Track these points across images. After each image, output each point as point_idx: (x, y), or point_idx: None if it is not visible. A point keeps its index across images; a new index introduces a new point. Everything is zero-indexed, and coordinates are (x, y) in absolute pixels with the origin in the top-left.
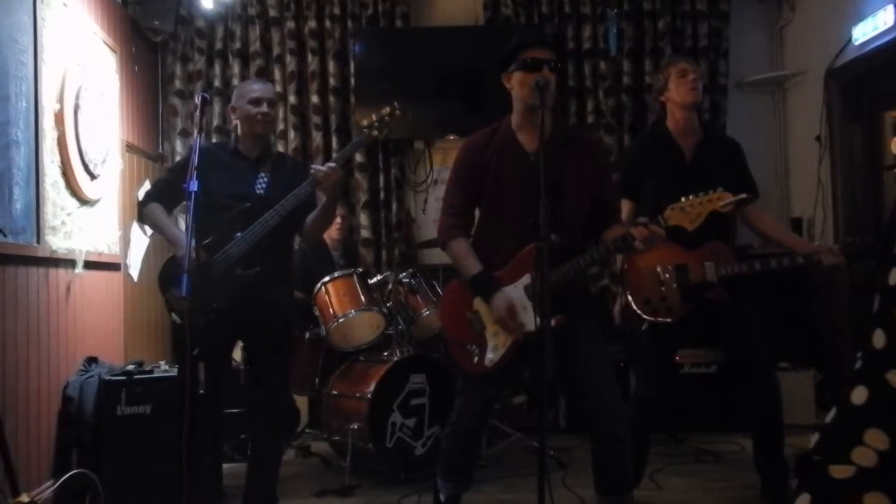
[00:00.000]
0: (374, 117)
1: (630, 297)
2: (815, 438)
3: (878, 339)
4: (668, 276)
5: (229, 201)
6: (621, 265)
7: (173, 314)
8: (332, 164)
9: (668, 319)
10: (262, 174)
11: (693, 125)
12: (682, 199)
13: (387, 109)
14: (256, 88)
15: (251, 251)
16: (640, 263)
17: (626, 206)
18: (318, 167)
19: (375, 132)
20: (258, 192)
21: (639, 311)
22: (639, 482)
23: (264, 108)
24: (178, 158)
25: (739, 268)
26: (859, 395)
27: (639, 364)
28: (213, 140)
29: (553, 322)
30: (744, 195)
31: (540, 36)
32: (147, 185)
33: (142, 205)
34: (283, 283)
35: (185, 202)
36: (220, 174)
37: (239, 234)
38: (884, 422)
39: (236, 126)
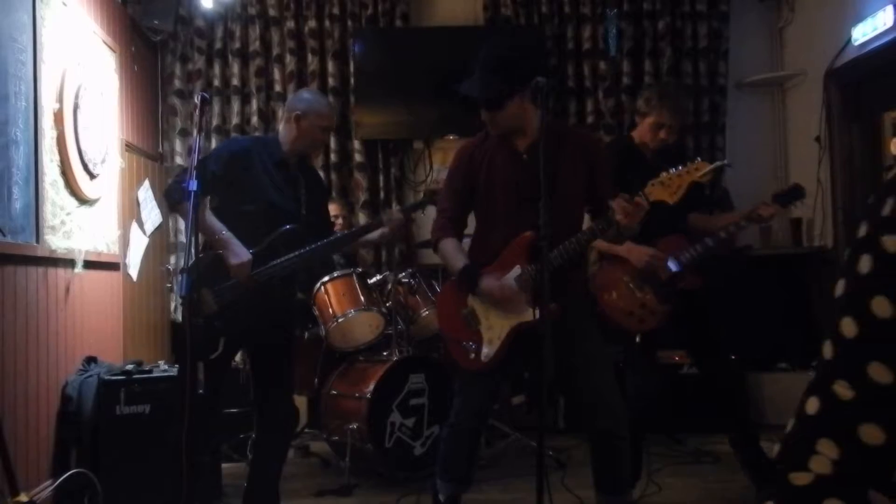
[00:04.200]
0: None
1: (613, 317)
2: (776, 448)
3: (827, 349)
4: (638, 283)
5: (273, 212)
6: (592, 269)
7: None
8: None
9: (655, 324)
10: (302, 191)
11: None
12: (662, 174)
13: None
14: (329, 115)
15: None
16: (609, 282)
17: None
18: (396, 216)
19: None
20: (302, 211)
21: (625, 327)
22: (637, 480)
23: (328, 137)
24: (177, 160)
25: (696, 249)
26: (812, 404)
27: (633, 365)
28: (214, 139)
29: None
30: (722, 162)
31: (463, 91)
32: (146, 182)
33: (184, 196)
34: (293, 288)
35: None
36: (266, 181)
37: (287, 254)
38: (831, 431)
39: (282, 128)
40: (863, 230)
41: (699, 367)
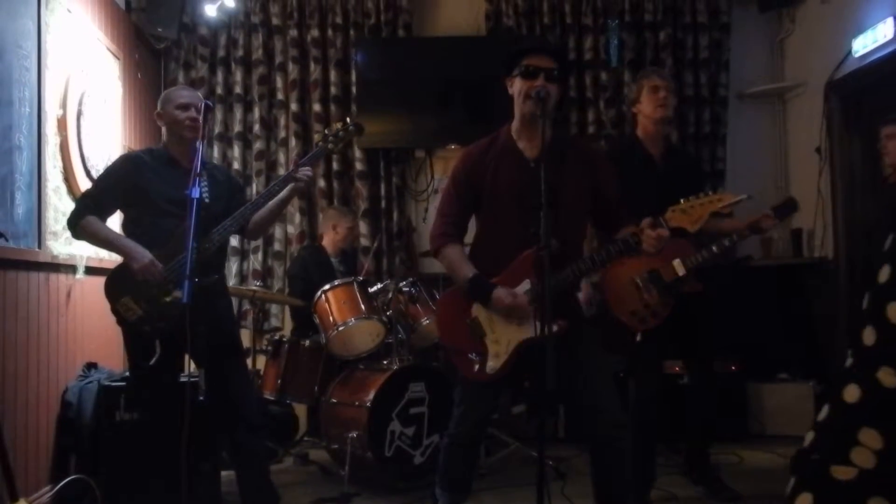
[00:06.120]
0: (326, 131)
1: (616, 314)
2: (809, 436)
3: (869, 336)
4: (644, 283)
5: (173, 208)
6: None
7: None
8: (309, 170)
9: (655, 323)
10: (202, 182)
11: (661, 136)
12: (683, 201)
13: (339, 124)
14: (185, 94)
15: (208, 259)
16: (616, 278)
17: None
18: (305, 172)
19: (331, 145)
20: (205, 199)
21: (628, 325)
22: (653, 481)
23: (192, 113)
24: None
25: (702, 255)
26: (851, 393)
27: (635, 369)
28: (217, 147)
29: (555, 327)
30: (745, 195)
31: (543, 44)
32: None
33: (78, 218)
34: (226, 289)
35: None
36: (158, 181)
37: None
38: (876, 420)
39: (162, 135)
40: (884, 275)
41: (688, 372)
